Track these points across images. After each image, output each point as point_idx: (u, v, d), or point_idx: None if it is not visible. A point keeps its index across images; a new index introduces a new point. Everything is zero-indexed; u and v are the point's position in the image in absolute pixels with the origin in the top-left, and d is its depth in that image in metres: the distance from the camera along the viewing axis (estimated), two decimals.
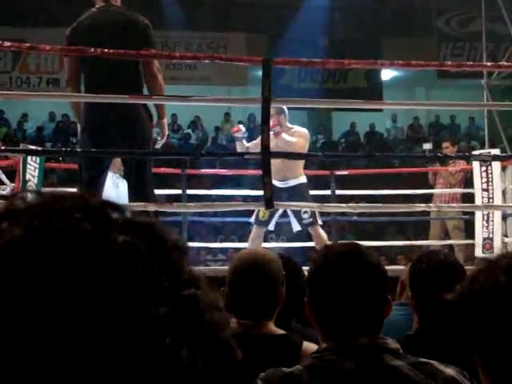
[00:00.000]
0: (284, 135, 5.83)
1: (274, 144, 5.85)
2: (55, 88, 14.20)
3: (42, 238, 0.48)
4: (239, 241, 10.71)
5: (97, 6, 4.30)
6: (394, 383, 1.47)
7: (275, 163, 5.33)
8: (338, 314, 1.55)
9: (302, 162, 6.12)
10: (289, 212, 5.98)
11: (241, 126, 6.09)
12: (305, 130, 6.14)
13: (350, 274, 1.55)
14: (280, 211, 5.92)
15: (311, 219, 5.91)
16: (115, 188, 5.46)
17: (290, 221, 6.06)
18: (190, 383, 0.49)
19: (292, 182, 5.93)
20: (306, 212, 5.89)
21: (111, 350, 0.46)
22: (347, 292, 1.54)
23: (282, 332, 2.11)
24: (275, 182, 5.93)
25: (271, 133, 5.82)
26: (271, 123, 5.78)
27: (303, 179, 6.02)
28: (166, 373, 0.48)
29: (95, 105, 4.15)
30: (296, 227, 6.08)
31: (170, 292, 0.49)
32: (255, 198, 6.17)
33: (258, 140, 5.97)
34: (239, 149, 5.97)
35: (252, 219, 6.02)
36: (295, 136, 5.90)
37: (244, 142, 6.00)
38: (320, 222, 6.02)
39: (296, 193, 5.86)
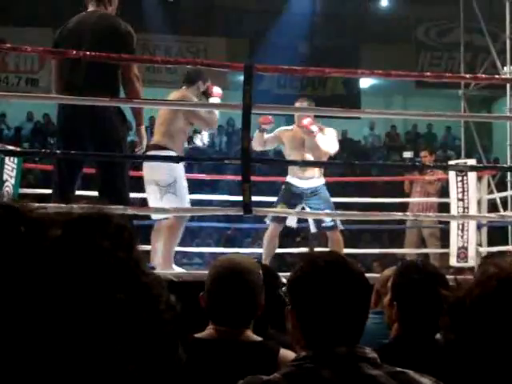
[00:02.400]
0: (321, 135, 5.79)
1: (311, 140, 5.79)
2: (34, 88, 14.10)
3: None
4: (216, 245, 10.71)
5: (88, 10, 4.31)
6: None
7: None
8: (323, 322, 1.55)
9: None
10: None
11: (270, 117, 5.77)
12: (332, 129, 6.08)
13: (338, 283, 1.56)
14: (298, 208, 5.82)
15: (332, 223, 5.79)
16: (159, 200, 5.15)
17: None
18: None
19: (313, 182, 5.86)
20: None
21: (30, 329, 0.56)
22: (334, 301, 1.55)
23: (259, 339, 2.11)
24: (295, 181, 5.87)
25: (309, 130, 5.72)
26: (311, 121, 5.73)
27: (323, 180, 5.95)
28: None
29: (68, 107, 4.13)
30: (313, 229, 6.01)
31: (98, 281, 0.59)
32: (233, 203, 6.12)
33: (274, 134, 5.96)
34: (257, 140, 5.77)
35: (268, 218, 5.83)
36: (330, 135, 5.87)
37: (265, 134, 5.85)
38: (341, 227, 5.93)
39: (320, 191, 5.83)
